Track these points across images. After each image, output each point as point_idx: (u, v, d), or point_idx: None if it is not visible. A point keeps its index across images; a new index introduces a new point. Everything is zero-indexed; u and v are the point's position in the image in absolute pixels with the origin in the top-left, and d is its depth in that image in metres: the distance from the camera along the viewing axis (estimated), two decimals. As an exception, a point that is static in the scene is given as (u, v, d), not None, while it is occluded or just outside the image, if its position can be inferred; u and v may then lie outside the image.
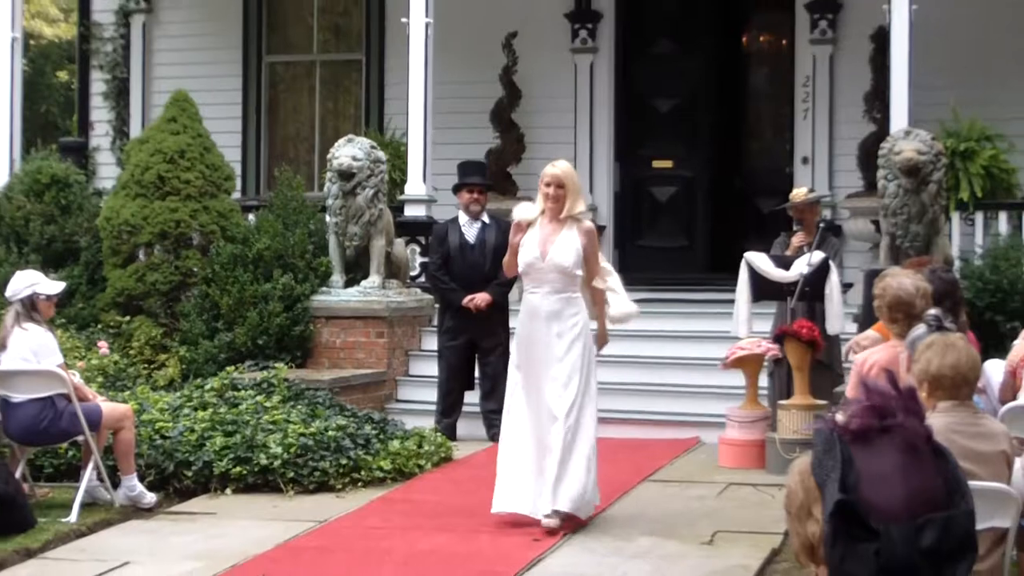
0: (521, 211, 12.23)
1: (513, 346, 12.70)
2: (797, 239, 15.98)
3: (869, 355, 10.12)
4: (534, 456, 11.90)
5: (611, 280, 12.56)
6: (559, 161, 12.39)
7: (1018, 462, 9.13)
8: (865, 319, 14.00)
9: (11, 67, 21.19)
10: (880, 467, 2.94)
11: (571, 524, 11.81)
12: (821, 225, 16.25)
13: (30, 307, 13.41)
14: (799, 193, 16.87)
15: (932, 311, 9.72)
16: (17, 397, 13.18)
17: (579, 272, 11.90)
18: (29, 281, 13.60)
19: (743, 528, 12.10)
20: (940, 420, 7.63)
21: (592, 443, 11.95)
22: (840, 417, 3.06)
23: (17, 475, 13.21)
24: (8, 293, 13.64)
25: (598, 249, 12.30)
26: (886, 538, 2.86)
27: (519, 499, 11.93)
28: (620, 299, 12.59)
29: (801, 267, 15.18)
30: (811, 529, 3.05)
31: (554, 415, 11.76)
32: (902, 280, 10.66)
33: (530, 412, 11.99)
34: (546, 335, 11.85)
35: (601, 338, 12.40)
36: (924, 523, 2.89)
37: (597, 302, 12.24)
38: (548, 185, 11.90)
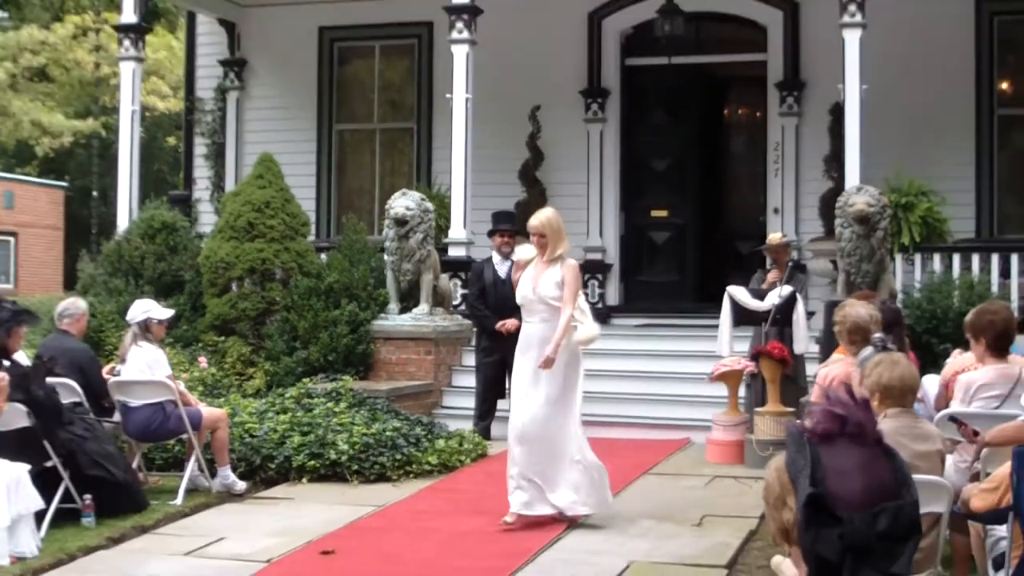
0: (521, 252, 12.13)
1: (515, 368, 12.05)
2: (772, 275, 16.06)
3: (830, 370, 10.15)
4: (520, 463, 11.47)
5: (579, 314, 11.76)
6: (543, 211, 12.10)
7: (950, 459, 9.17)
8: (826, 341, 13.98)
9: (131, 134, 21.30)
10: (842, 464, 2.95)
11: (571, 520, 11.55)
12: (790, 264, 16.37)
13: (145, 329, 13.53)
14: (775, 237, 16.98)
15: (877, 335, 9.81)
16: (134, 402, 13.28)
17: (560, 303, 11.52)
18: (144, 308, 13.73)
19: (726, 513, 12.07)
20: (889, 424, 7.70)
21: (576, 447, 11.57)
22: (807, 422, 3.06)
23: (134, 465, 13.29)
24: (128, 317, 13.82)
25: (578, 283, 11.70)
26: (849, 524, 2.87)
27: (519, 501, 11.48)
28: (587, 324, 11.89)
29: (773, 298, 15.27)
30: (786, 516, 3.04)
31: (538, 429, 11.46)
32: (859, 309, 10.74)
33: (518, 423, 11.59)
34: (537, 359, 11.49)
35: (553, 348, 11.38)
36: (879, 511, 2.90)
37: (561, 325, 11.46)
38: (532, 236, 11.75)
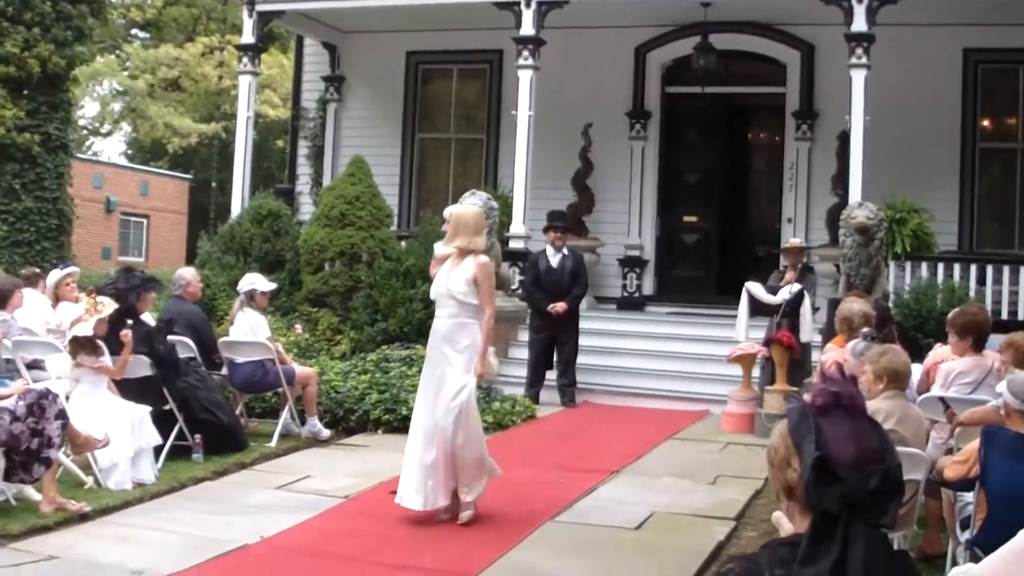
0: (439, 248, 10.22)
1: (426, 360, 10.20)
2: (789, 275, 16.14)
3: (828, 357, 10.14)
4: (419, 453, 9.78)
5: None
6: (459, 206, 10.91)
7: (932, 434, 9.18)
8: (828, 332, 13.93)
9: (246, 136, 21.41)
10: (837, 432, 2.95)
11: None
12: (802, 266, 16.45)
13: (250, 298, 13.62)
14: (795, 242, 17.21)
15: (866, 329, 9.89)
16: (239, 359, 13.37)
17: (472, 300, 9.73)
18: (251, 281, 13.83)
19: (737, 474, 12.01)
20: (885, 404, 7.76)
21: (480, 438, 10.00)
22: (808, 397, 3.07)
23: (237, 412, 13.38)
24: (239, 288, 13.85)
25: (490, 281, 9.94)
26: (847, 482, 2.87)
27: (411, 493, 9.76)
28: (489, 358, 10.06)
29: (784, 294, 15.25)
30: (790, 476, 3.04)
31: (440, 424, 9.67)
32: (852, 305, 10.82)
33: (424, 418, 9.85)
34: (439, 353, 9.81)
35: (479, 364, 9.79)
36: (871, 472, 2.89)
37: (483, 332, 9.82)
38: (446, 222, 10.31)
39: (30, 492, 9.86)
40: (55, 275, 14.54)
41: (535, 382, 16.76)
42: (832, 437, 2.95)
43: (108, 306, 11.21)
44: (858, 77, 17.55)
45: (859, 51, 17.59)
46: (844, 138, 18.70)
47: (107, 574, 8.10)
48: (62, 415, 9.67)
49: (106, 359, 11.18)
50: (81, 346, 11.04)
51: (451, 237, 9.93)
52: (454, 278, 9.78)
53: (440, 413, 9.69)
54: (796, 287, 15.35)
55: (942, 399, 9.35)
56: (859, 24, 17.60)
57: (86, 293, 11.76)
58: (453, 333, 9.78)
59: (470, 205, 10.62)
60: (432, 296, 10.08)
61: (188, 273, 14.34)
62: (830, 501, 2.88)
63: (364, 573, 8.32)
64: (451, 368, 9.75)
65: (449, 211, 10.36)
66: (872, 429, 3.06)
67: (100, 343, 11.14)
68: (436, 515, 9.77)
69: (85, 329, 10.97)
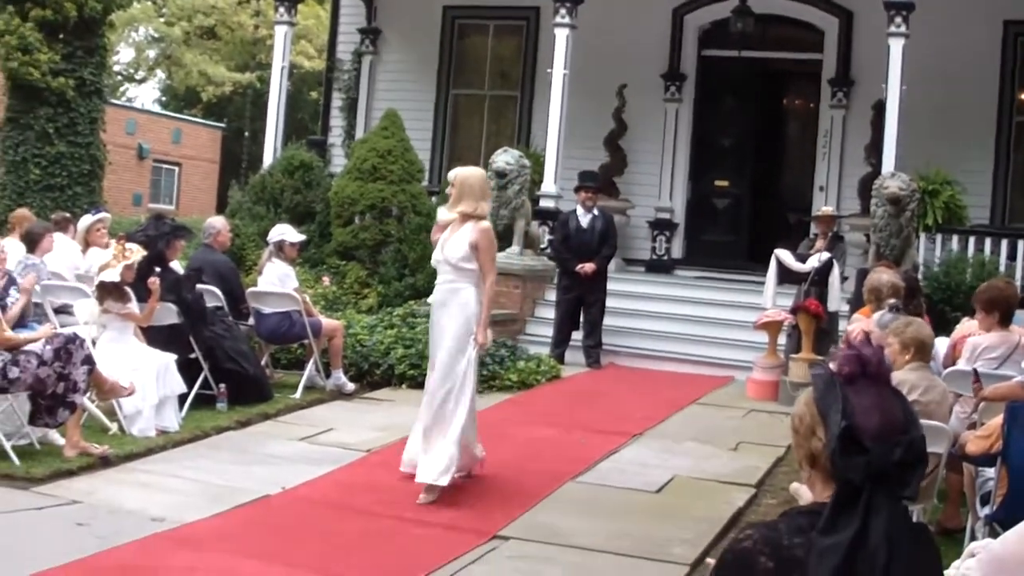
0: (442, 213, 9.87)
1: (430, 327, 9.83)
2: (819, 243, 16.07)
3: (856, 327, 10.12)
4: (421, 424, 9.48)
5: None
6: (468, 168, 10.04)
7: (956, 408, 9.17)
8: (856, 302, 13.91)
9: (280, 87, 21.42)
10: (863, 401, 2.93)
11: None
12: (833, 235, 16.39)
13: (279, 249, 13.65)
14: (827, 210, 17.09)
15: (891, 300, 9.88)
16: (266, 310, 13.41)
17: (468, 266, 9.33)
18: (280, 231, 13.87)
19: (759, 441, 12.00)
20: (911, 375, 7.76)
21: (462, 422, 9.30)
22: (834, 365, 3.05)
23: (263, 363, 13.43)
24: (268, 238, 13.89)
25: (492, 247, 9.56)
26: (872, 453, 2.85)
27: (411, 458, 9.55)
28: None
29: (813, 262, 15.20)
30: (814, 444, 3.02)
31: (432, 393, 9.40)
32: (881, 276, 10.80)
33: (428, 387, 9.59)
34: (437, 321, 9.47)
35: (480, 332, 9.37)
36: (895, 443, 2.88)
37: (484, 300, 9.43)
38: (450, 185, 9.71)
39: (54, 436, 9.93)
40: (86, 220, 14.58)
41: (560, 342, 16.76)
42: (858, 407, 2.94)
43: (136, 253, 11.24)
44: (896, 46, 17.44)
45: (898, 19, 17.48)
46: (879, 107, 18.61)
47: (129, 520, 8.15)
48: (88, 360, 9.72)
49: (133, 306, 11.22)
50: (108, 292, 11.08)
51: (455, 201, 9.49)
52: (453, 243, 9.38)
53: (434, 384, 9.38)
54: (825, 255, 15.30)
55: (974, 370, 9.30)
56: (899, -9, 17.50)
57: (116, 239, 11.78)
58: (450, 300, 9.40)
59: (474, 168, 9.98)
60: (433, 263, 9.70)
61: (218, 222, 14.37)
62: (854, 471, 2.87)
63: (384, 527, 8.35)
64: (447, 338, 9.35)
65: (454, 174, 9.75)
66: (897, 400, 3.05)
67: (127, 289, 11.18)
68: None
69: (112, 275, 11.01)
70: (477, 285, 9.43)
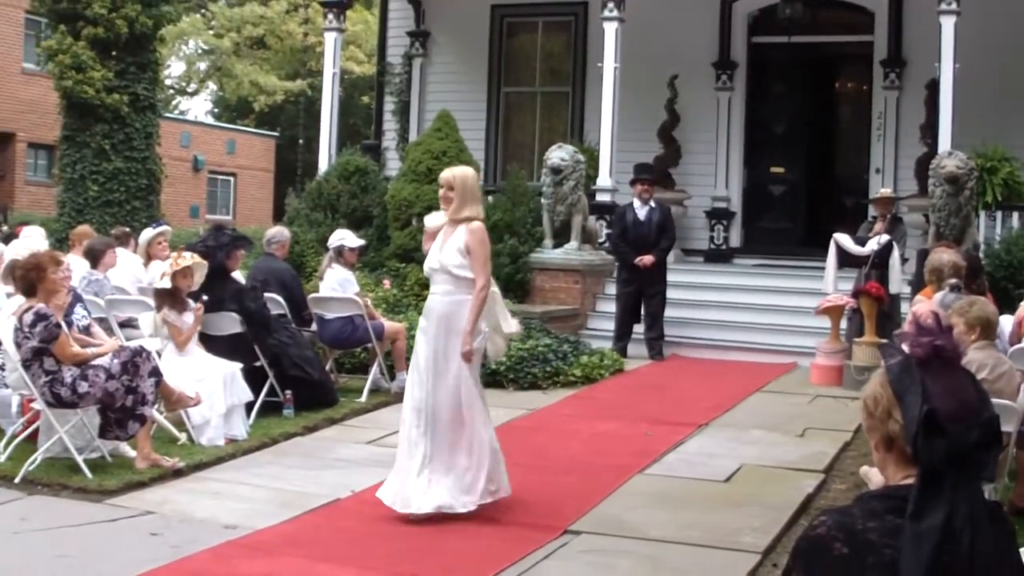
0: (429, 220, 8.97)
1: (416, 342, 8.91)
2: (878, 226, 15.95)
3: (917, 308, 10.06)
4: (406, 451, 8.62)
5: (499, 307, 8.97)
6: (458, 167, 9.19)
7: None
8: (917, 283, 13.83)
9: (332, 93, 21.53)
10: (938, 384, 2.92)
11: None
12: (891, 217, 16.28)
13: (339, 254, 13.72)
14: (885, 192, 16.99)
15: (953, 280, 9.83)
16: (329, 315, 13.46)
17: (467, 274, 8.46)
18: (340, 237, 13.93)
19: (825, 427, 11.96)
20: (978, 354, 7.73)
21: (485, 439, 8.60)
22: (908, 347, 3.04)
23: (327, 368, 13.46)
24: (328, 244, 13.96)
25: (484, 250, 8.58)
26: (951, 436, 2.84)
27: (392, 491, 8.59)
28: (509, 320, 9.03)
29: (873, 245, 15.12)
30: (891, 427, 3.01)
31: (435, 416, 8.51)
32: (942, 256, 10.76)
33: (413, 408, 8.64)
34: (435, 336, 8.53)
35: (466, 339, 8.44)
36: (972, 424, 2.87)
37: (472, 305, 8.49)
38: (441, 187, 8.76)
39: (125, 449, 10.00)
40: (148, 234, 14.68)
41: (622, 335, 16.76)
42: (934, 389, 2.92)
43: (189, 259, 11.32)
44: (947, 24, 17.32)
45: (948, -4, 17.38)
46: (933, 86, 18.50)
47: (202, 528, 8.20)
48: (156, 372, 9.79)
49: (189, 315, 11.31)
50: (163, 299, 11.23)
51: (458, 208, 8.59)
52: (448, 250, 8.53)
53: (440, 404, 8.51)
54: (885, 238, 15.21)
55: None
56: (948, -32, 17.37)
57: (176, 252, 11.87)
58: (450, 314, 8.52)
59: (467, 167, 9.17)
60: (425, 272, 8.89)
61: (285, 231, 14.48)
62: (936, 455, 2.85)
63: (454, 526, 8.35)
64: (452, 357, 8.50)
65: (450, 175, 8.72)
66: (970, 381, 3.03)
67: (186, 298, 11.29)
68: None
69: (165, 281, 11.16)
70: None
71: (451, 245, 8.54)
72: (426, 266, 8.78)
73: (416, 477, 8.49)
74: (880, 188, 18.18)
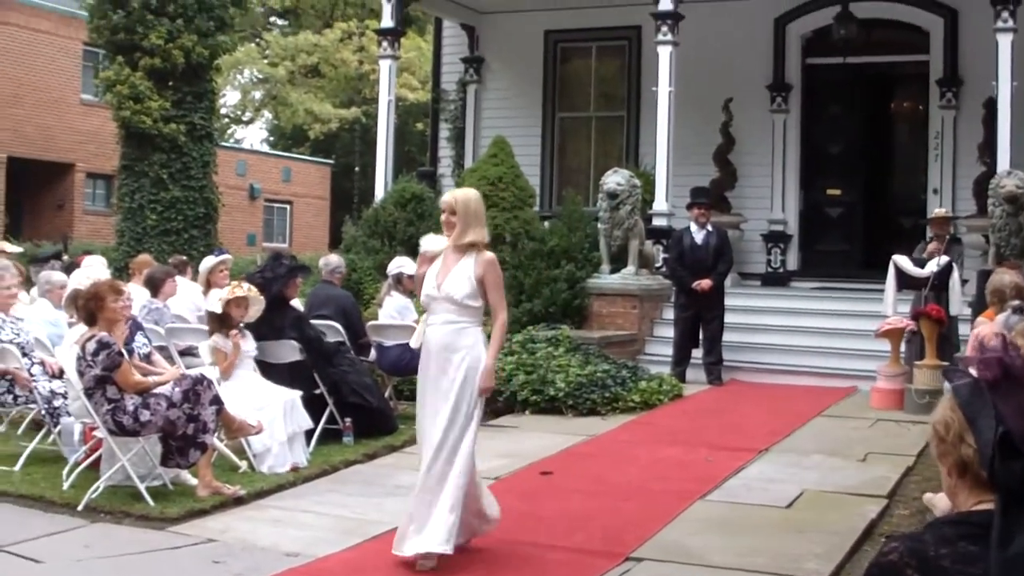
0: (427, 243, 8.79)
1: (419, 378, 8.48)
2: (933, 246, 15.90)
3: (980, 331, 9.99)
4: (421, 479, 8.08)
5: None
6: (463, 190, 8.65)
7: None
8: (977, 305, 13.74)
9: (387, 120, 21.54)
10: (1010, 406, 2.87)
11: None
12: (949, 237, 16.20)
13: (398, 281, 13.84)
14: (940, 212, 16.94)
15: (1016, 302, 9.74)
16: (388, 343, 13.52)
17: (474, 303, 8.04)
18: (398, 264, 14.03)
19: (887, 451, 11.88)
20: None
21: (464, 481, 8.00)
22: (976, 370, 3.01)
23: (386, 395, 13.47)
24: (387, 271, 14.04)
25: (500, 282, 8.21)
26: None
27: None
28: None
29: (932, 266, 15.05)
30: (964, 451, 2.97)
31: (431, 451, 8.07)
32: (1004, 277, 10.67)
33: (421, 439, 8.37)
34: (436, 367, 8.08)
35: (485, 375, 8.06)
36: None
37: (494, 341, 8.16)
38: (443, 212, 8.23)
39: (186, 476, 10.06)
40: (210, 262, 14.72)
41: (681, 360, 16.72)
42: (1006, 411, 2.89)
43: (244, 291, 11.43)
44: (1004, 41, 17.22)
45: (1004, 14, 17.26)
46: (991, 105, 18.37)
47: (264, 556, 8.23)
48: (217, 401, 9.84)
49: (247, 343, 11.43)
50: (213, 323, 11.42)
51: (461, 232, 8.09)
52: (454, 280, 8.02)
53: (435, 440, 8.06)
54: (944, 259, 15.15)
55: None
56: (1004, -14, 17.29)
57: (236, 282, 11.98)
58: (454, 343, 8.03)
59: (470, 189, 8.73)
60: (423, 301, 8.33)
61: (336, 258, 14.54)
62: (1013, 478, 2.81)
63: (516, 553, 8.36)
64: (451, 389, 8.06)
65: (452, 198, 8.26)
66: (1038, 401, 3.00)
67: (238, 324, 11.40)
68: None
69: (214, 305, 11.32)
70: (480, 324, 8.21)
71: (460, 274, 8.03)
72: (424, 294, 8.21)
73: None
74: (936, 208, 18.06)
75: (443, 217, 8.21)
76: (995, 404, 2.87)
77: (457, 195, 8.27)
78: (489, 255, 8.14)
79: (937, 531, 2.98)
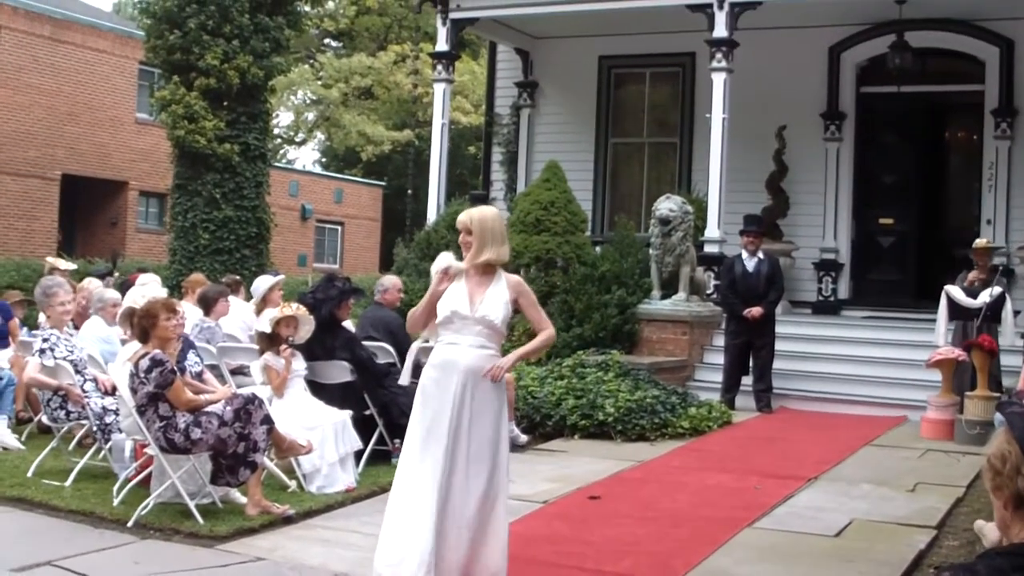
0: (444, 260, 7.84)
1: (418, 400, 7.79)
2: (972, 275, 15.87)
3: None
4: (433, 520, 7.32)
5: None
6: (477, 208, 8.03)
7: None
8: (1031, 336, 13.71)
9: (440, 143, 21.65)
10: None
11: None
12: (991, 266, 16.12)
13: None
14: (980, 242, 16.86)
15: None
16: (433, 366, 13.43)
17: (504, 329, 7.70)
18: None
19: (937, 482, 11.80)
20: None
21: (504, 514, 7.66)
22: None
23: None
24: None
25: (534, 298, 8.02)
26: None
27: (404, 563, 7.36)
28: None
29: (984, 297, 14.96)
30: (1021, 484, 2.97)
31: (468, 488, 7.44)
32: None
33: (432, 473, 7.41)
34: (462, 392, 7.47)
35: (503, 362, 7.58)
36: None
37: (536, 343, 8.04)
38: (460, 232, 7.84)
39: (236, 495, 10.11)
40: (267, 281, 14.74)
41: (731, 387, 16.71)
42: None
43: (293, 310, 11.52)
44: (1061, 73, 17.17)
45: (1063, 46, 17.23)
46: (1047, 135, 18.32)
47: (311, 575, 8.27)
48: (267, 420, 9.89)
49: (297, 362, 11.51)
50: (263, 342, 11.49)
51: (477, 251, 7.68)
52: (491, 302, 7.62)
53: (481, 472, 7.54)
54: (997, 290, 15.11)
55: None
56: (1062, 16, 17.25)
57: (288, 302, 12.06)
58: (479, 368, 7.54)
59: (488, 207, 8.28)
60: (443, 316, 7.66)
61: (388, 280, 14.55)
62: None
63: (564, 578, 8.36)
64: (487, 419, 7.64)
65: (467, 217, 7.82)
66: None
67: (287, 345, 11.47)
68: None
69: (263, 325, 11.40)
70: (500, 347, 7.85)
71: (496, 297, 7.64)
72: (449, 312, 7.61)
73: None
74: (987, 239, 17.95)
75: (460, 238, 7.85)
76: None
77: (473, 214, 7.86)
78: (515, 277, 7.91)
79: (990, 561, 2.98)
